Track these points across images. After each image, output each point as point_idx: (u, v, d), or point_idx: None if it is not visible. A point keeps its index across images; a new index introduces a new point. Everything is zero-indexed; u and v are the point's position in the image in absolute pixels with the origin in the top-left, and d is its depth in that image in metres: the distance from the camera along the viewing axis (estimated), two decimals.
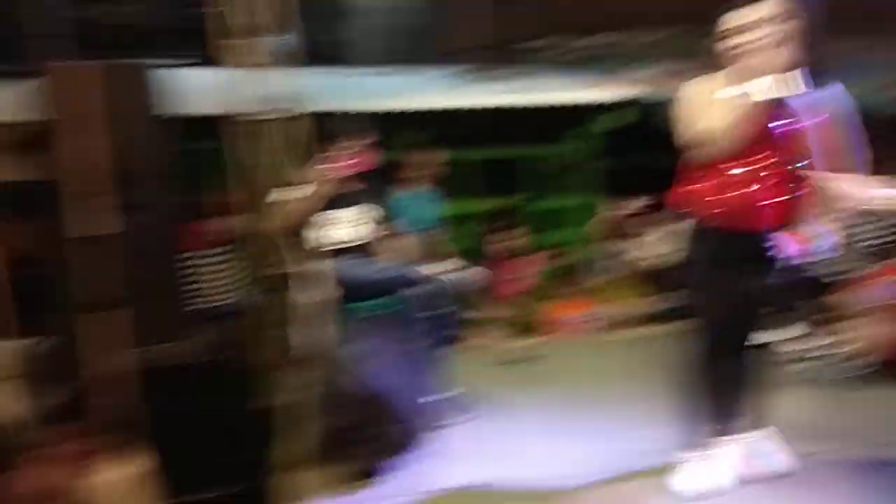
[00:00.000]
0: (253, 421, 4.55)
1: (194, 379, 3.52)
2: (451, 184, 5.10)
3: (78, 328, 4.14)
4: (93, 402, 3.48)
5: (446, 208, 4.71)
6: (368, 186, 3.38)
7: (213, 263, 4.15)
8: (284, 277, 3.95)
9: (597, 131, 5.67)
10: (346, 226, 3.21)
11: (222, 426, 3.67)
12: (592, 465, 2.76)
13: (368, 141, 3.28)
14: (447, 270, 3.26)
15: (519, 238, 4.87)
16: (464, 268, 3.65)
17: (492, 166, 5.59)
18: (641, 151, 5.85)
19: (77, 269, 3.66)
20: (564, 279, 4.98)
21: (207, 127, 4.53)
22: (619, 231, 5.07)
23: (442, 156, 4.51)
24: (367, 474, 2.70)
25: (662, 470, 2.56)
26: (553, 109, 5.31)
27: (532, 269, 4.95)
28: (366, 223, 3.31)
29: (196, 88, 4.73)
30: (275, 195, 3.25)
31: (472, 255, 4.91)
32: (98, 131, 3.38)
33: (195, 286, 3.95)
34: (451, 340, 3.45)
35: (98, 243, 3.37)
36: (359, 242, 3.23)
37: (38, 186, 4.60)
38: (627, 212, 5.08)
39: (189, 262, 3.86)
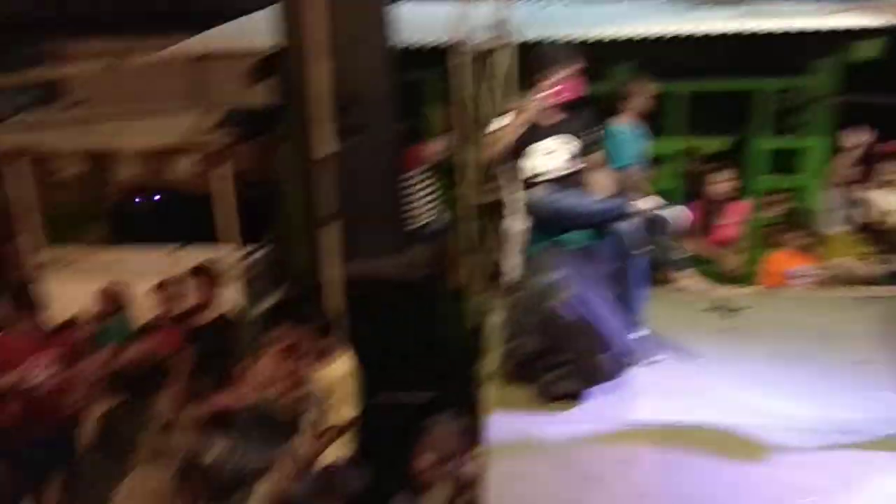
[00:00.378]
0: (455, 336, 4.82)
1: (403, 293, 3.79)
2: (661, 118, 4.83)
3: (298, 239, 4.60)
4: (309, 305, 3.88)
5: (653, 144, 4.48)
6: (575, 117, 3.29)
7: (426, 185, 4.34)
8: (496, 204, 4.04)
9: (841, 63, 4.98)
10: (555, 156, 3.17)
11: (425, 338, 3.95)
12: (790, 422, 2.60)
13: (577, 70, 3.19)
14: (655, 208, 3.12)
15: (733, 180, 4.50)
16: (670, 207, 3.47)
17: (708, 100, 5.16)
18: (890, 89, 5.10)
19: (301, 185, 4.04)
20: (783, 227, 4.52)
21: (430, 56, 4.70)
22: (857, 178, 4.47)
23: (652, 87, 4.26)
24: (562, 398, 2.76)
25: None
26: (787, 36, 4.75)
27: (745, 215, 4.57)
28: (573, 154, 3.26)
29: (420, 19, 4.91)
30: (491, 123, 3.30)
31: (678, 196, 4.66)
32: (326, 57, 3.66)
33: (410, 206, 4.17)
34: (655, 279, 3.34)
35: (321, 162, 3.69)
36: (567, 173, 3.19)
37: (269, 109, 5.12)
38: (867, 156, 4.44)
39: (405, 183, 4.09)
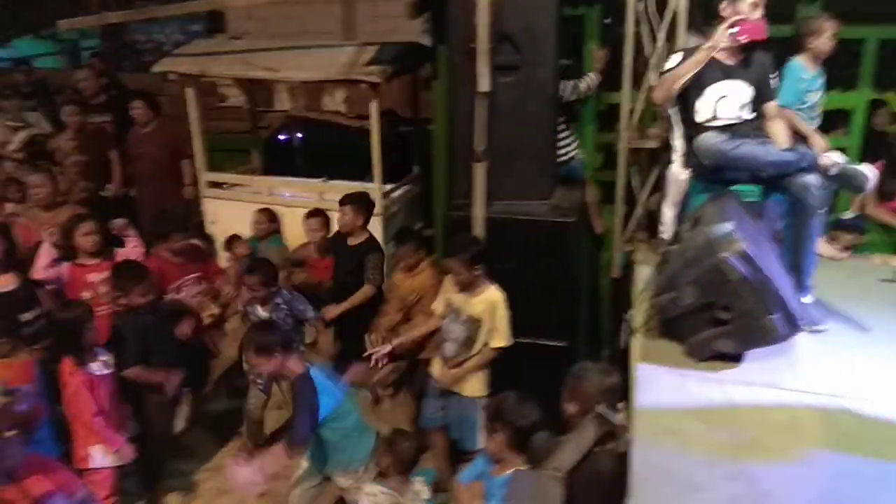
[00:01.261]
0: (599, 285, 4.74)
1: (548, 236, 3.74)
2: (845, 67, 4.36)
3: (445, 176, 4.62)
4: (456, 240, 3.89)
5: (833, 95, 4.06)
6: (754, 61, 3.03)
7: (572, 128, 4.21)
8: (658, 149, 3.88)
9: None
10: (730, 101, 2.95)
11: (568, 285, 3.90)
12: None
13: (759, 9, 2.91)
14: (838, 163, 2.84)
15: None
16: (853, 163, 3.15)
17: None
18: None
19: (453, 122, 4.03)
20: None
21: None
22: None
23: (835, 27, 3.81)
24: (716, 358, 2.64)
25: None
26: None
27: None
28: (750, 100, 3.02)
29: None
30: (662, 63, 3.11)
31: (853, 155, 4.23)
32: None
33: (561, 147, 4.07)
34: (828, 241, 3.09)
35: (476, 99, 3.65)
36: (743, 120, 2.97)
37: (422, 46, 5.13)
38: None
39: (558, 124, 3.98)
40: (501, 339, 3.46)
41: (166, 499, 4.10)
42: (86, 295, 4.04)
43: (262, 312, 4.08)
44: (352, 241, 4.47)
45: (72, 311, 3.47)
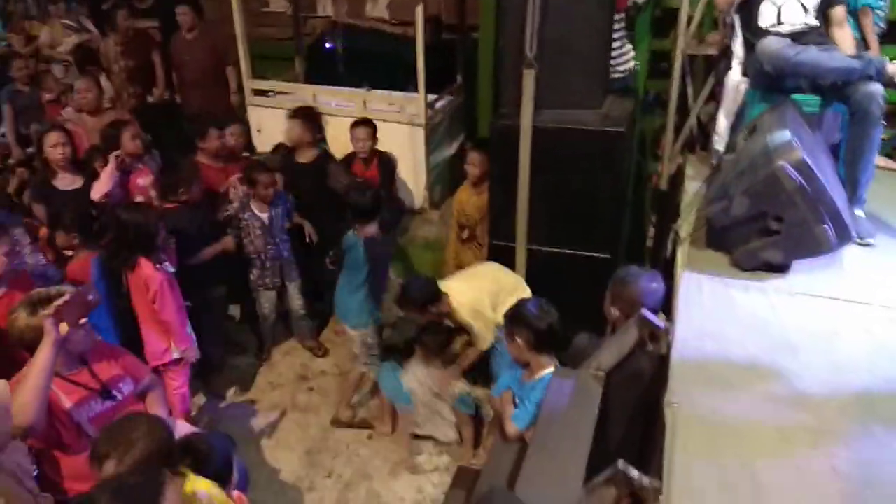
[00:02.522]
0: (645, 194, 4.69)
1: (595, 145, 3.69)
2: None
3: (492, 86, 4.52)
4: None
5: None
6: None
7: (627, 34, 4.05)
8: (717, 56, 3.73)
9: None
10: (794, 7, 2.82)
11: (615, 195, 3.88)
12: None
13: None
14: None
15: None
16: None
17: None
18: None
19: (503, 27, 3.90)
20: None
21: None
22: None
23: None
24: (764, 267, 2.64)
25: None
26: None
27: None
28: (814, 7, 2.88)
29: None
30: None
31: None
32: None
33: (617, 57, 3.95)
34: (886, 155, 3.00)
35: (526, 2, 3.53)
36: (806, 27, 2.84)
37: None
38: None
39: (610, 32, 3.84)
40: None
41: (221, 390, 4.38)
42: (139, 198, 4.20)
43: (260, 213, 4.18)
44: (302, 159, 4.49)
45: (142, 214, 3.53)
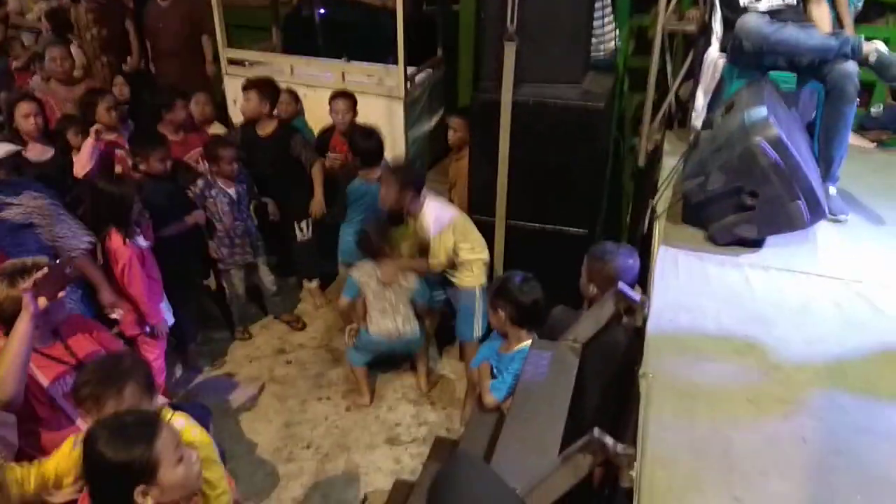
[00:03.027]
0: (622, 170, 4.71)
1: (574, 120, 3.69)
2: None
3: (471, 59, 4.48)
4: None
5: None
6: None
7: (609, 10, 4.05)
8: (695, 33, 3.74)
9: None
10: None
11: (591, 169, 3.89)
12: None
13: None
14: (880, 51, 2.76)
15: None
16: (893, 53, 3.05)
17: None
18: None
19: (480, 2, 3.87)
20: None
21: None
22: None
23: None
24: (738, 243, 2.69)
25: None
26: None
27: None
28: None
29: None
30: None
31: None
32: None
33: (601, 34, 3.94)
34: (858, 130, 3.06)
35: None
36: (785, 4, 2.86)
37: None
38: None
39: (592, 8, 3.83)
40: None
41: (198, 363, 4.37)
42: (117, 169, 4.13)
43: (227, 189, 4.15)
44: (262, 131, 4.47)
45: (119, 186, 3.47)
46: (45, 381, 2.49)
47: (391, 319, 3.80)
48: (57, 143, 4.07)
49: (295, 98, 4.92)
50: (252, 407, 4.06)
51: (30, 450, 2.48)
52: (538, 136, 3.66)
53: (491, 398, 2.81)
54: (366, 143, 4.07)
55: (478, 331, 3.78)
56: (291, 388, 4.20)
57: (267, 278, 4.55)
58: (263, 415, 4.00)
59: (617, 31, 4.22)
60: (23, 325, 2.28)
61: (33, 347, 2.40)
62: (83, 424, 2.19)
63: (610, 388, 2.51)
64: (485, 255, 3.74)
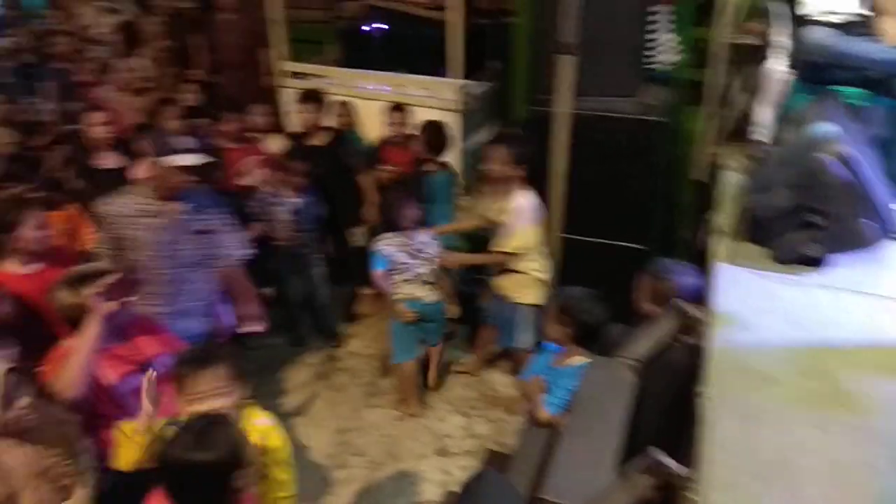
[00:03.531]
0: (681, 186, 4.64)
1: (632, 134, 3.67)
2: None
3: (527, 72, 4.51)
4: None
5: None
6: None
7: (669, 24, 4.00)
8: (756, 46, 3.68)
9: None
10: None
11: (648, 185, 3.86)
12: None
13: None
14: None
15: None
16: None
17: None
18: None
19: (541, 12, 3.87)
20: None
21: None
22: None
23: None
24: (803, 261, 2.62)
25: None
26: None
27: None
28: None
29: None
30: None
31: None
32: None
33: (650, 44, 3.91)
34: None
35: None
36: (853, 18, 2.78)
37: None
38: None
39: (650, 18, 3.81)
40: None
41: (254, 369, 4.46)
42: None
43: (289, 200, 4.23)
44: (316, 142, 4.56)
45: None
46: (112, 379, 2.59)
47: (418, 288, 3.86)
48: (127, 151, 4.24)
49: (349, 110, 5.02)
50: (305, 413, 4.13)
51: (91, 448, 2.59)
52: (594, 149, 3.65)
53: (544, 413, 2.80)
54: (441, 135, 4.26)
55: (529, 342, 3.76)
56: (343, 395, 4.26)
57: (321, 286, 4.62)
58: (316, 420, 4.07)
59: (676, 42, 4.16)
60: (90, 329, 2.40)
61: (102, 347, 2.52)
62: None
63: (668, 409, 2.47)
64: (547, 276, 3.73)
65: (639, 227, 3.79)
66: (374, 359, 4.56)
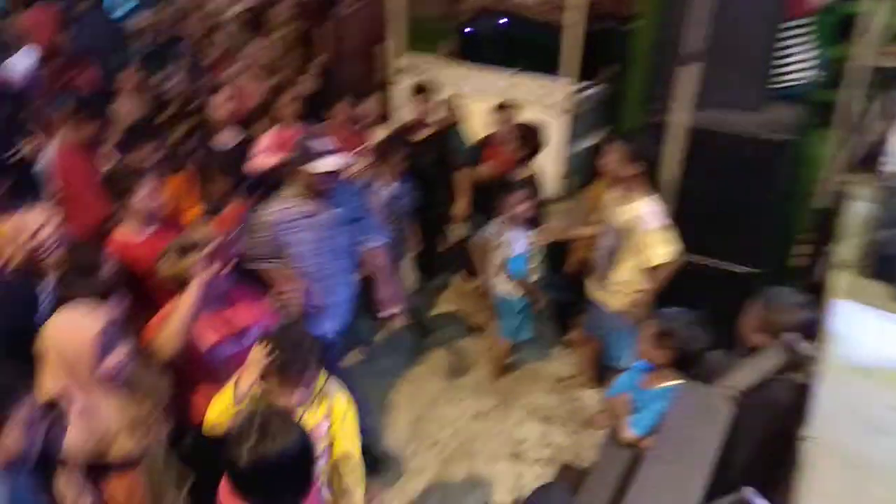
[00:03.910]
0: (802, 214, 4.39)
1: (752, 153, 3.46)
2: None
3: (641, 78, 4.36)
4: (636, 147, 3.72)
5: None
6: None
7: (805, 40, 3.77)
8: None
9: None
10: None
11: (767, 209, 3.62)
12: None
13: None
14: None
15: None
16: None
17: None
18: None
19: (667, 18, 3.72)
20: None
21: None
22: None
23: None
24: None
25: None
26: None
27: None
28: None
29: None
30: None
31: None
32: None
33: (782, 60, 3.69)
34: None
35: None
36: None
37: None
38: None
39: (782, 34, 3.59)
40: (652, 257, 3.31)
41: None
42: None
43: (385, 187, 4.18)
44: (422, 135, 4.55)
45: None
46: (207, 344, 2.70)
47: (496, 278, 3.93)
48: (247, 130, 4.43)
49: (457, 105, 5.03)
50: (385, 398, 4.19)
51: (179, 412, 2.67)
52: (709, 163, 3.48)
53: (629, 433, 2.70)
54: (534, 138, 4.21)
55: (629, 360, 3.63)
56: (423, 386, 4.29)
57: (409, 277, 4.67)
58: (395, 407, 4.11)
59: (814, 60, 3.90)
60: (192, 293, 2.51)
61: (201, 313, 2.63)
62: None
63: (765, 447, 2.32)
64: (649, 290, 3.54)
65: (751, 252, 3.58)
66: (459, 352, 4.56)
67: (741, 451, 2.30)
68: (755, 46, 3.41)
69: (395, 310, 3.49)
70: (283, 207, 3.09)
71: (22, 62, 5.26)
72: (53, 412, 2.10)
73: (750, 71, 3.45)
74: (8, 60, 5.25)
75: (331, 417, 2.34)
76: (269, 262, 3.13)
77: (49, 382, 2.11)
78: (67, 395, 2.11)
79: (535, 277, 3.98)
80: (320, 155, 3.01)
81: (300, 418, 2.16)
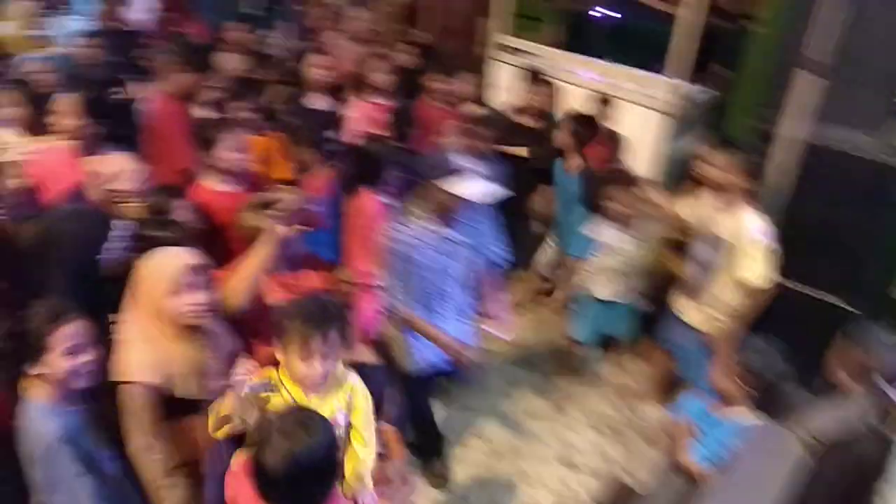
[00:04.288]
0: None
1: (867, 174, 3.12)
2: None
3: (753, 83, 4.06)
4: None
5: None
6: None
7: None
8: None
9: None
10: None
11: (882, 236, 3.26)
12: None
13: None
14: None
15: None
16: None
17: None
18: None
19: (793, 23, 3.42)
20: None
21: None
22: None
23: None
24: None
25: None
26: None
27: None
28: None
29: None
30: None
31: None
32: None
33: None
34: None
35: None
36: None
37: None
38: None
39: None
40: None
41: None
42: (374, 131, 4.38)
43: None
44: (526, 122, 4.34)
45: (376, 146, 3.62)
46: (272, 300, 2.72)
47: (611, 281, 3.79)
48: (339, 96, 4.43)
49: (553, 93, 4.84)
50: (441, 386, 4.11)
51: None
52: (817, 183, 3.19)
53: (687, 459, 2.53)
54: (589, 129, 4.01)
55: (703, 381, 3.41)
56: (480, 377, 4.20)
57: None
58: (445, 394, 4.03)
59: None
60: (265, 247, 2.53)
61: (272, 269, 2.63)
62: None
63: (842, 501, 2.11)
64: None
65: (850, 285, 3.28)
66: (521, 350, 4.45)
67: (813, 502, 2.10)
68: (884, 57, 3.08)
69: (504, 336, 3.23)
70: (413, 226, 2.82)
71: (142, 4, 5.47)
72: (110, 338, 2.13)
73: (878, 87, 3.12)
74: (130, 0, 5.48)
75: (350, 404, 2.20)
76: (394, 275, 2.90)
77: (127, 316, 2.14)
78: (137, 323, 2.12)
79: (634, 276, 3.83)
80: (461, 174, 2.74)
81: (322, 400, 2.08)
